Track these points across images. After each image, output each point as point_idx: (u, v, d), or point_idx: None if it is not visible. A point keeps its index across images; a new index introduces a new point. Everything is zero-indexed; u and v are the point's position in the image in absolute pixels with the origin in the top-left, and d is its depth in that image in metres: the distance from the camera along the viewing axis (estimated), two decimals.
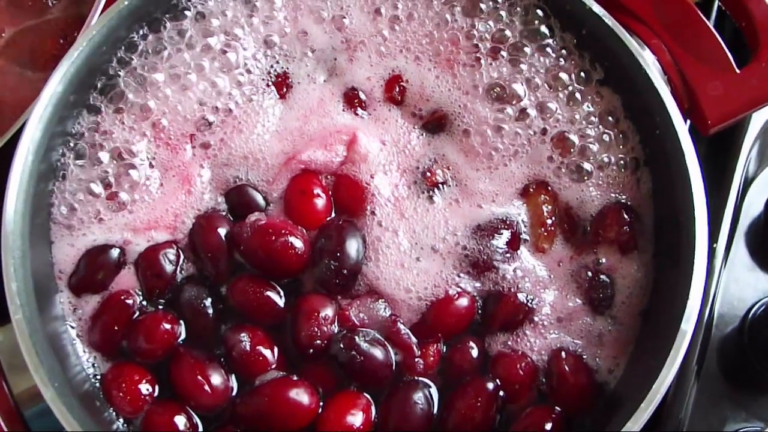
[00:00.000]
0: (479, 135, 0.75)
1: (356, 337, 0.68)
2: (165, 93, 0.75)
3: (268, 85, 0.77)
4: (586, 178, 0.75)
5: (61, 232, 0.72)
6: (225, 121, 0.75)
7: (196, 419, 0.68)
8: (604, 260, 0.74)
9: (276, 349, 0.69)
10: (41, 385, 0.62)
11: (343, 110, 0.77)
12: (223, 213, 0.74)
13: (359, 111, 0.77)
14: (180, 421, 0.67)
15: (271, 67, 0.77)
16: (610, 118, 0.77)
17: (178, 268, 0.72)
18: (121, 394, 0.68)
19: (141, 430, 0.68)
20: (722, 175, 0.97)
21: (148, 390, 0.69)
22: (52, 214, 0.72)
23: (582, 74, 0.78)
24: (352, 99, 0.77)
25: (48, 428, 0.65)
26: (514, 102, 0.76)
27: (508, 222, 0.74)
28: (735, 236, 0.99)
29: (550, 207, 0.75)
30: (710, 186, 0.72)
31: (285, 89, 0.77)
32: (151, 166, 0.74)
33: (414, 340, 0.69)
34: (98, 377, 0.70)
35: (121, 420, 0.69)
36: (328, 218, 0.74)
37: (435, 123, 0.77)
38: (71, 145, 0.73)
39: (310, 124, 0.76)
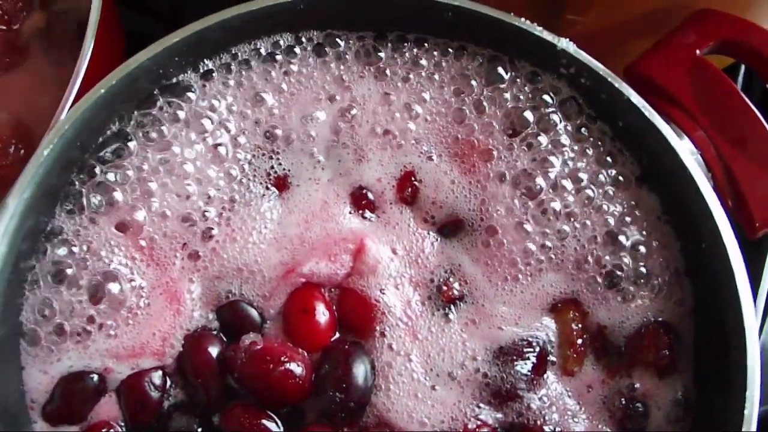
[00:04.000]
0: (499, 248, 0.67)
1: None
2: (150, 197, 0.66)
3: (267, 188, 0.68)
4: (619, 292, 0.67)
5: (33, 358, 0.64)
6: (217, 229, 0.67)
7: None
8: (638, 385, 0.66)
9: None
10: None
11: (350, 213, 0.68)
12: (215, 332, 0.66)
13: (367, 213, 0.69)
14: None
15: (271, 168, 0.69)
16: (647, 223, 0.69)
17: (165, 395, 0.65)
18: None
19: None
20: (755, 253, 0.91)
21: None
22: (22, 338, 0.64)
23: (616, 172, 0.70)
24: (359, 200, 0.68)
25: None
26: (539, 209, 0.68)
27: (533, 344, 0.66)
28: None
29: (579, 325, 0.67)
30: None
31: (284, 190, 0.69)
32: (139, 285, 0.65)
33: None
34: None
35: None
36: (333, 338, 0.66)
37: (450, 227, 0.69)
38: (42, 260, 0.65)
39: (312, 230, 0.67)
